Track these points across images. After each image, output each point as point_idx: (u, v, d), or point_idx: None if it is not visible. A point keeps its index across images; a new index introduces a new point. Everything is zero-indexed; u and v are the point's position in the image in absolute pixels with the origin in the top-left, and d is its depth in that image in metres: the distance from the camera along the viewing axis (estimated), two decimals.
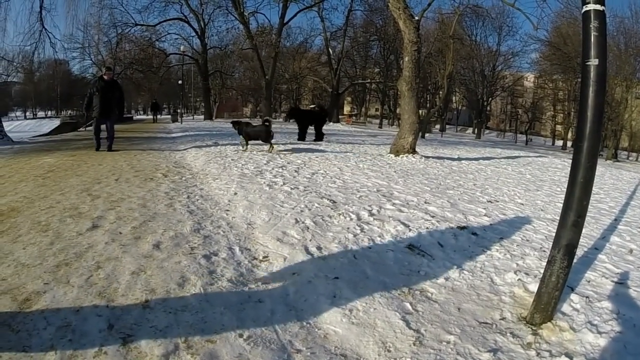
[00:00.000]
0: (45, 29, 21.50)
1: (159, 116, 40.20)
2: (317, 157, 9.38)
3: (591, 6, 2.27)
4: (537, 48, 45.16)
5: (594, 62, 2.28)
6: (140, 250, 3.36)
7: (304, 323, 2.44)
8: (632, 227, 5.10)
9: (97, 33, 34.32)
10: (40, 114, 65.32)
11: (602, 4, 2.27)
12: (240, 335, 2.26)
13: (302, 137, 14.31)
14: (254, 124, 10.73)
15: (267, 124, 10.16)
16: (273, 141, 10.21)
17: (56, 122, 35.83)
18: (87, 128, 12.46)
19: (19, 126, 40.74)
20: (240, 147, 10.27)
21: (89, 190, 5.47)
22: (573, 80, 40.85)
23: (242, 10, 31.66)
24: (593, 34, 2.28)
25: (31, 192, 5.29)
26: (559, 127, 53.14)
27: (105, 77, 10.30)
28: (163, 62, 39.60)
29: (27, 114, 65.69)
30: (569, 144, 44.05)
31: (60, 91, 59.21)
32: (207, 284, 2.81)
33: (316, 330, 2.39)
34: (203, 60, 37.63)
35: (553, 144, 52.92)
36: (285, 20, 34.88)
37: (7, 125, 15.59)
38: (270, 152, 9.79)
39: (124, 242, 3.53)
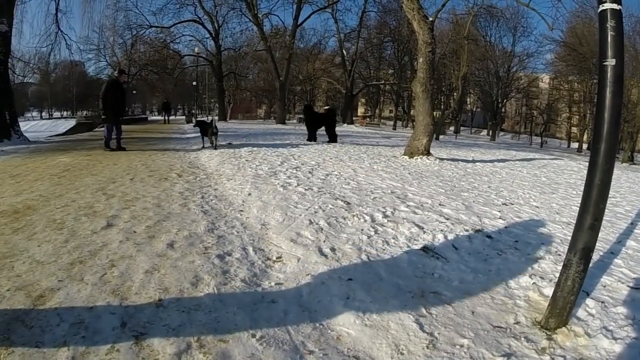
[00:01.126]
0: (61, 31, 21.85)
1: (171, 117, 38.89)
2: (330, 158, 9.37)
3: (607, 5, 2.23)
4: (552, 49, 44.87)
5: (611, 62, 2.24)
6: (154, 249, 3.38)
7: (317, 324, 2.43)
8: None
9: (112, 35, 34.77)
10: (56, 114, 66.17)
11: (619, 3, 2.24)
12: (253, 335, 2.25)
13: (312, 138, 14.34)
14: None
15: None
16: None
17: (72, 122, 36.14)
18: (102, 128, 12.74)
19: (35, 126, 41.31)
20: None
21: (104, 189, 5.52)
22: (589, 82, 40.52)
23: (255, 11, 31.80)
24: (610, 33, 2.25)
25: (47, 190, 5.35)
26: (574, 129, 52.62)
27: (120, 79, 10.76)
28: (177, 63, 39.78)
29: (43, 114, 66.58)
30: (585, 146, 43.64)
31: (75, 92, 59.83)
32: (221, 284, 2.82)
33: (329, 331, 2.38)
34: (217, 61, 37.77)
35: (568, 146, 52.37)
36: (299, 21, 34.93)
37: (24, 125, 15.78)
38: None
39: (138, 241, 3.55)
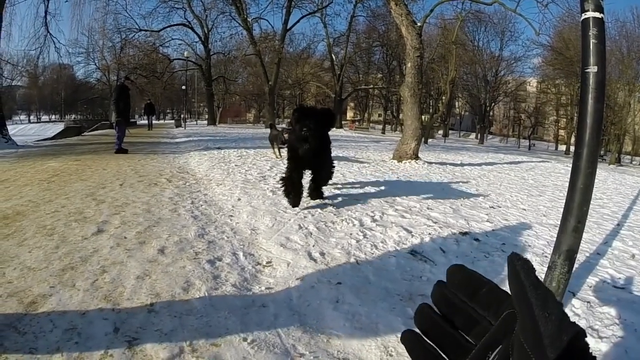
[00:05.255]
0: (50, 34, 21.80)
1: (155, 121, 34.53)
2: None
3: (590, 14, 2.29)
4: (540, 53, 45.07)
5: (593, 69, 2.30)
6: (145, 254, 3.39)
7: (307, 327, 2.46)
8: (635, 232, 5.09)
9: (101, 38, 34.85)
10: (44, 118, 65.43)
11: (601, 12, 2.30)
12: (245, 339, 2.28)
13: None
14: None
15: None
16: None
17: (60, 126, 35.83)
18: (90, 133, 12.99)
19: (23, 130, 40.80)
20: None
21: (94, 194, 5.51)
22: (576, 85, 40.71)
23: (245, 16, 31.83)
24: (592, 41, 2.30)
25: (36, 196, 5.33)
26: (562, 132, 52.91)
27: (128, 85, 11.68)
28: (167, 67, 39.68)
29: (31, 117, 65.89)
30: (572, 148, 43.95)
31: (64, 95, 59.28)
32: (212, 289, 2.84)
33: (319, 334, 2.41)
34: (206, 65, 37.73)
35: (556, 148, 52.64)
36: (289, 26, 35.14)
37: (12, 129, 15.59)
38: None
39: (128, 246, 3.56)
